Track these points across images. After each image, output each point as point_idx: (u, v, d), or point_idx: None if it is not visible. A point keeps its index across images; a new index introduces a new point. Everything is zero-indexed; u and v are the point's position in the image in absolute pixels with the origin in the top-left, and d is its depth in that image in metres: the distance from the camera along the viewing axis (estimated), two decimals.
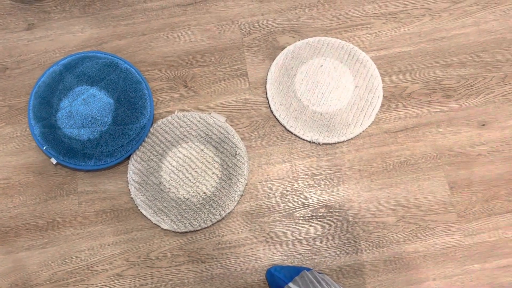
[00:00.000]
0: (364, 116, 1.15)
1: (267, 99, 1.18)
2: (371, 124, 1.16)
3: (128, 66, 1.19)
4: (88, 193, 1.13)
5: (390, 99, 1.18)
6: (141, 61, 1.23)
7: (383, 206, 1.10)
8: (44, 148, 1.13)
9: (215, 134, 1.15)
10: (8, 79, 1.22)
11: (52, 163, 1.15)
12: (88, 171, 1.14)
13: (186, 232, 1.10)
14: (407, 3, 1.25)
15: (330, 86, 1.18)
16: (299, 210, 1.11)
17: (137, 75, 1.19)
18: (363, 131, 1.15)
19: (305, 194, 1.12)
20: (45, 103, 1.17)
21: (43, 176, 1.15)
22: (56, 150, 1.13)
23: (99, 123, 1.15)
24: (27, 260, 1.09)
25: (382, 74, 1.19)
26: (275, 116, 1.17)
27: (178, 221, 1.09)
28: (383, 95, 1.18)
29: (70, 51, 1.24)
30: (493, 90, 1.17)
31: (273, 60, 1.21)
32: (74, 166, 1.12)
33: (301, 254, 1.08)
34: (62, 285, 1.08)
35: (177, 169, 1.13)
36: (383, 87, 1.18)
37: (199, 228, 1.09)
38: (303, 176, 1.13)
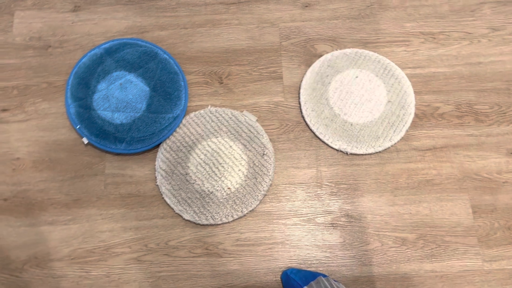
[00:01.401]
0: (394, 131, 1.16)
1: (299, 103, 1.20)
2: (400, 139, 1.16)
3: (167, 57, 1.22)
4: (115, 176, 1.15)
5: (422, 117, 1.18)
6: (180, 53, 1.25)
7: (404, 222, 1.11)
8: (78, 127, 1.15)
9: (245, 132, 1.17)
10: (49, 57, 1.25)
11: (83, 142, 1.17)
12: (117, 154, 1.17)
13: (207, 225, 1.11)
14: (447, 25, 1.26)
15: (363, 98, 1.19)
16: (320, 217, 1.12)
17: (175, 66, 1.21)
18: (391, 146, 1.16)
19: (327, 201, 1.13)
20: (83, 84, 1.19)
21: (73, 154, 1.17)
22: (88, 130, 1.15)
23: (133, 109, 1.17)
24: (49, 235, 1.11)
25: (415, 92, 1.20)
26: (305, 121, 1.18)
27: (200, 213, 1.11)
28: (415, 113, 1.18)
29: (112, 36, 1.27)
30: None
31: (309, 66, 1.23)
32: (105, 148, 1.14)
33: (318, 260, 1.09)
34: (80, 262, 1.09)
35: (204, 162, 1.14)
36: (415, 105, 1.19)
37: (220, 222, 1.10)
38: (327, 183, 1.14)
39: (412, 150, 1.16)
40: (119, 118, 1.17)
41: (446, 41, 1.24)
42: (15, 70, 1.24)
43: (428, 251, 1.09)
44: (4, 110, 1.20)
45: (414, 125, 1.18)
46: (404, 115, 1.17)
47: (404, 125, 1.16)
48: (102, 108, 1.17)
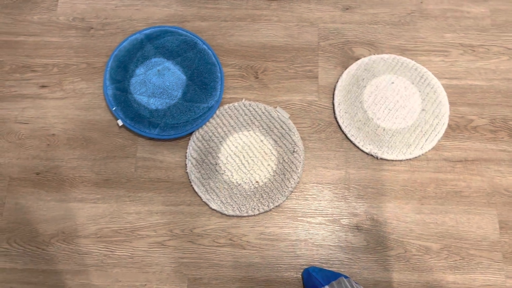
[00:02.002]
0: (426, 140, 1.16)
1: (333, 104, 1.20)
2: (431, 148, 1.16)
3: (206, 48, 1.23)
4: (146, 159, 1.17)
5: (455, 128, 1.18)
6: (218, 45, 1.27)
7: (429, 231, 1.10)
8: (114, 109, 1.17)
9: (276, 128, 1.17)
10: (91, 38, 1.28)
11: (117, 124, 1.19)
12: (150, 139, 1.18)
13: (233, 216, 1.12)
14: (487, 38, 1.25)
15: (397, 104, 1.19)
16: (345, 218, 1.12)
17: (213, 58, 1.23)
18: (422, 154, 1.16)
19: (354, 203, 1.13)
20: (122, 67, 1.21)
21: (107, 135, 1.19)
22: (124, 113, 1.17)
23: (169, 96, 1.19)
24: (78, 212, 1.13)
25: (450, 103, 1.20)
26: (338, 123, 1.19)
27: (227, 203, 1.12)
28: (448, 124, 1.18)
29: (153, 23, 1.29)
30: None
31: (346, 68, 1.23)
32: (138, 131, 1.16)
33: (340, 261, 1.09)
34: (106, 241, 1.11)
35: (234, 153, 1.15)
36: (449, 115, 1.19)
37: (245, 214, 1.11)
38: (355, 186, 1.14)
39: (443, 160, 1.16)
40: (154, 103, 1.18)
41: (485, 55, 1.24)
42: (56, 49, 1.27)
43: (451, 262, 1.08)
44: (43, 86, 1.23)
45: (446, 135, 1.17)
46: (437, 124, 1.17)
47: (436, 135, 1.16)
48: (139, 92, 1.19)
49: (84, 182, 1.15)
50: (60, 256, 1.11)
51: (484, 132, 1.18)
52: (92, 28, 1.29)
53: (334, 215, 1.12)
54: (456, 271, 1.08)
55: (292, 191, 1.14)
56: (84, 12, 1.31)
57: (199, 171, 1.14)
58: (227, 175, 1.14)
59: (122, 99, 1.19)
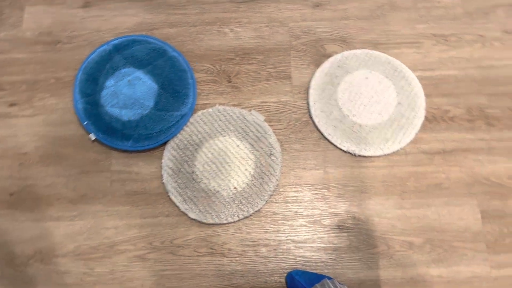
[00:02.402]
0: (404, 134, 1.15)
1: (308, 104, 1.19)
2: (409, 142, 1.15)
3: (176, 54, 1.21)
4: (121, 172, 1.15)
5: (431, 120, 1.17)
6: (189, 51, 1.25)
7: (411, 226, 1.09)
8: (85, 123, 1.15)
9: (252, 132, 1.16)
10: (58, 52, 1.25)
11: (90, 139, 1.17)
12: (124, 151, 1.16)
13: (212, 224, 1.10)
14: (460, 27, 1.24)
15: (372, 99, 1.18)
16: (326, 218, 1.11)
17: (184, 64, 1.21)
18: (400, 149, 1.15)
19: (334, 203, 1.12)
20: (92, 80, 1.19)
21: (80, 150, 1.17)
22: (96, 127, 1.15)
23: (141, 106, 1.17)
24: (54, 230, 1.11)
25: (426, 95, 1.19)
26: (314, 122, 1.17)
27: (206, 212, 1.10)
28: (425, 116, 1.17)
29: (121, 33, 1.27)
30: None
31: (319, 66, 1.22)
32: (112, 144, 1.14)
33: (323, 262, 1.08)
34: (84, 259, 1.09)
35: (211, 160, 1.14)
36: (425, 108, 1.18)
37: (225, 222, 1.10)
38: (334, 185, 1.13)
39: (421, 153, 1.14)
40: (126, 115, 1.16)
41: (458, 44, 1.23)
42: (24, 65, 1.24)
43: (435, 255, 1.07)
44: (12, 104, 1.21)
45: (423, 128, 1.16)
46: (413, 117, 1.16)
47: (413, 128, 1.15)
48: (110, 104, 1.17)
49: (59, 199, 1.13)
50: (39, 277, 1.08)
51: (461, 121, 1.17)
52: (59, 41, 1.26)
53: (315, 216, 1.11)
54: (440, 264, 1.07)
55: (271, 195, 1.12)
56: (50, 26, 1.28)
57: (176, 181, 1.12)
58: (205, 183, 1.12)
59: (93, 112, 1.17)
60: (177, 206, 1.12)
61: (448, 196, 1.11)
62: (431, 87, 1.20)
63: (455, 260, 1.07)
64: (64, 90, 1.22)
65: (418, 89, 1.18)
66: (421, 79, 1.20)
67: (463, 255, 1.07)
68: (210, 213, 1.10)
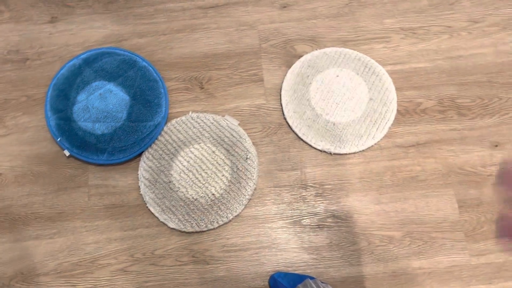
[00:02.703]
0: (377, 129, 1.15)
1: (281, 105, 1.19)
2: (383, 137, 1.16)
3: (146, 64, 1.21)
4: (99, 187, 1.14)
5: (404, 113, 1.18)
6: (159, 60, 1.24)
7: (390, 220, 1.10)
8: (59, 139, 1.15)
9: (227, 137, 1.16)
10: (28, 70, 1.24)
11: (65, 155, 1.16)
12: (100, 165, 1.16)
13: (193, 232, 1.10)
14: (426, 19, 1.25)
15: (344, 96, 1.18)
16: (306, 218, 1.11)
17: (154, 74, 1.20)
18: (374, 144, 1.16)
19: (313, 202, 1.12)
20: (63, 96, 1.18)
21: (56, 167, 1.16)
22: (70, 143, 1.15)
23: (114, 119, 1.16)
24: (34, 249, 1.11)
25: (397, 89, 1.20)
26: (288, 123, 1.18)
27: (185, 220, 1.10)
28: (397, 110, 1.18)
29: (90, 46, 1.26)
30: (508, 112, 1.17)
31: (290, 67, 1.22)
32: (87, 159, 1.13)
33: (305, 262, 1.08)
34: (67, 276, 1.08)
35: (187, 169, 1.14)
36: (397, 101, 1.19)
37: (205, 229, 1.10)
38: (312, 185, 1.13)
39: (396, 147, 1.15)
40: (100, 128, 1.16)
41: (426, 36, 1.24)
42: None
43: (415, 248, 1.08)
44: None
45: (396, 122, 1.17)
46: (386, 112, 1.17)
47: (386, 123, 1.16)
48: (83, 119, 1.16)
49: (37, 218, 1.13)
50: None
51: (433, 113, 1.18)
52: (28, 59, 1.25)
53: (294, 217, 1.11)
54: (420, 256, 1.08)
55: (249, 199, 1.12)
56: (18, 43, 1.27)
57: (153, 192, 1.12)
58: (182, 192, 1.12)
59: (66, 128, 1.16)
60: (156, 217, 1.11)
61: (425, 188, 1.12)
62: (402, 80, 1.21)
63: (435, 251, 1.08)
64: (36, 107, 1.21)
65: (389, 83, 1.19)
66: (391, 73, 1.21)
67: (442, 246, 1.08)
68: (190, 221, 1.10)
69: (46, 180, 1.15)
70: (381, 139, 1.16)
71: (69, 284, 1.08)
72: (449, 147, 1.15)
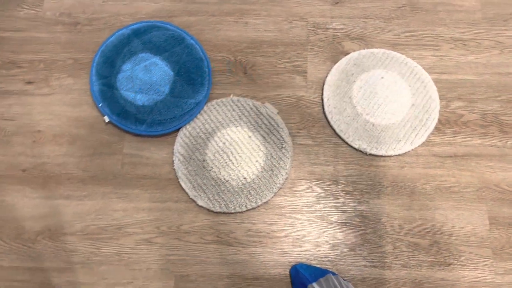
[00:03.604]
0: (416, 135, 1.14)
1: (322, 100, 1.19)
2: (421, 144, 1.15)
3: (194, 43, 1.22)
4: (133, 156, 1.16)
5: (445, 123, 1.17)
6: (206, 40, 1.25)
7: (418, 227, 1.09)
8: (100, 105, 1.16)
9: (265, 124, 1.16)
10: (77, 34, 1.26)
11: (104, 121, 1.18)
12: (136, 135, 1.17)
13: (220, 212, 1.11)
14: (479, 32, 1.24)
15: (387, 99, 1.17)
16: (334, 215, 1.11)
17: (201, 53, 1.21)
18: (412, 150, 1.15)
19: (342, 200, 1.12)
20: (109, 63, 1.20)
21: (93, 132, 1.18)
22: (110, 109, 1.16)
23: (156, 92, 1.18)
24: (64, 209, 1.12)
25: (441, 98, 1.18)
26: (326, 118, 1.17)
27: (214, 200, 1.11)
28: (438, 119, 1.17)
29: (140, 18, 1.28)
30: None
31: (335, 63, 1.22)
32: (125, 127, 1.15)
33: (328, 257, 1.08)
34: (92, 238, 1.10)
35: (222, 150, 1.14)
36: (439, 111, 1.17)
37: (233, 211, 1.10)
38: (343, 182, 1.13)
39: (432, 155, 1.14)
40: (141, 99, 1.17)
41: (476, 49, 1.22)
42: (43, 44, 1.25)
43: (440, 258, 1.07)
44: (29, 82, 1.22)
45: (436, 130, 1.16)
46: (427, 119, 1.16)
47: (426, 130, 1.15)
48: (125, 88, 1.18)
49: (70, 179, 1.14)
50: (46, 254, 1.10)
51: (475, 127, 1.16)
52: (79, 23, 1.27)
53: (322, 212, 1.11)
54: (445, 267, 1.07)
55: (280, 188, 1.13)
56: (71, 7, 1.29)
57: (186, 168, 1.13)
58: (215, 172, 1.13)
59: (108, 95, 1.17)
60: (186, 193, 1.12)
61: (457, 200, 1.11)
62: (446, 90, 1.19)
63: (460, 264, 1.07)
64: (82, 71, 1.23)
65: (433, 91, 1.18)
66: (437, 81, 1.20)
67: (469, 260, 1.07)
68: (219, 201, 1.11)
69: (82, 143, 1.17)
70: (418, 146, 1.15)
71: (93, 246, 1.09)
72: (488, 163, 1.13)
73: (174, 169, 1.14)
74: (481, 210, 1.10)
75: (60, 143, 1.17)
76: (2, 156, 1.16)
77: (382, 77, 1.19)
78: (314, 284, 0.98)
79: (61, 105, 1.20)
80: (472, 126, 1.16)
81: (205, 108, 1.18)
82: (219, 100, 1.19)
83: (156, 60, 1.20)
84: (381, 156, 1.15)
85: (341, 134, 1.15)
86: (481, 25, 1.25)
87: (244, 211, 1.11)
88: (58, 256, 1.09)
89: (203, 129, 1.16)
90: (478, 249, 1.08)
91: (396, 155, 1.15)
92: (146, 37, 1.22)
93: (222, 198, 1.11)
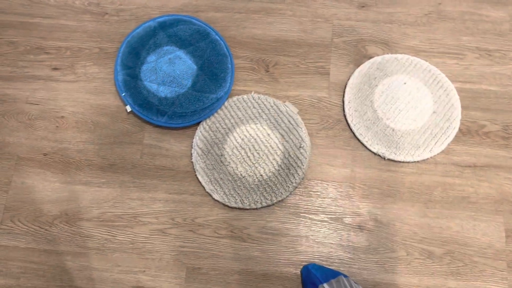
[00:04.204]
0: (436, 143, 1.14)
1: (343, 102, 1.19)
2: (440, 152, 1.14)
3: (218, 38, 1.23)
4: (152, 147, 1.17)
5: (466, 133, 1.16)
6: (230, 37, 1.26)
7: (433, 236, 1.09)
8: (123, 94, 1.18)
9: (284, 123, 1.17)
10: (105, 24, 1.28)
11: (126, 110, 1.19)
12: (157, 126, 1.18)
13: (235, 208, 1.12)
14: (505, 44, 1.23)
15: (408, 105, 1.17)
16: (348, 217, 1.11)
17: (225, 49, 1.22)
18: (430, 157, 1.14)
19: (358, 203, 1.12)
20: (134, 54, 1.22)
21: (115, 120, 1.20)
22: (133, 99, 1.18)
23: (178, 85, 1.19)
24: (82, 194, 1.14)
25: (463, 107, 1.18)
26: (346, 121, 1.17)
27: (230, 195, 1.11)
28: (459, 128, 1.16)
29: (167, 11, 1.29)
30: None
31: (358, 66, 1.22)
32: (146, 118, 1.16)
33: (340, 260, 1.08)
34: (108, 225, 1.12)
35: (240, 146, 1.15)
36: (461, 119, 1.17)
37: (248, 207, 1.11)
38: (360, 185, 1.13)
39: (451, 164, 1.14)
40: (164, 91, 1.18)
41: (501, 60, 1.21)
42: (71, 32, 1.27)
43: (454, 268, 1.06)
44: (56, 69, 1.24)
45: (456, 139, 1.15)
46: (448, 128, 1.15)
47: (446, 138, 1.14)
48: (149, 79, 1.19)
49: (89, 165, 1.16)
50: (62, 237, 1.11)
51: (496, 138, 1.15)
52: (106, 13, 1.29)
53: (337, 213, 1.11)
54: (458, 277, 1.06)
55: (296, 187, 1.13)
56: None
57: (204, 161, 1.14)
58: (232, 167, 1.13)
59: (132, 85, 1.19)
60: (202, 186, 1.13)
61: (474, 210, 1.10)
62: (469, 99, 1.19)
63: (474, 275, 1.06)
64: (107, 60, 1.25)
65: (455, 100, 1.17)
66: (459, 90, 1.19)
67: (482, 271, 1.06)
68: (234, 197, 1.11)
69: (103, 131, 1.19)
70: (438, 154, 1.14)
71: (109, 233, 1.11)
72: (507, 175, 1.12)
73: (192, 162, 1.15)
74: (498, 222, 1.09)
75: (82, 130, 1.19)
76: (24, 139, 1.18)
77: (404, 83, 1.19)
78: (325, 285, 0.98)
79: (85, 93, 1.22)
80: (493, 137, 1.15)
81: (226, 103, 1.19)
82: (240, 96, 1.20)
83: (181, 53, 1.22)
84: (400, 161, 1.14)
85: (360, 138, 1.15)
86: (508, 36, 1.24)
87: (259, 208, 1.12)
88: (74, 241, 1.11)
89: (222, 124, 1.17)
90: (493, 261, 1.07)
91: (415, 162, 1.14)
92: (172, 31, 1.23)
93: (238, 193, 1.12)
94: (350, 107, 1.18)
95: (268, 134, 1.16)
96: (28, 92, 1.22)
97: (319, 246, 1.09)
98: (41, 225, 1.12)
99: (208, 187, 1.12)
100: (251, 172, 1.13)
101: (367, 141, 1.15)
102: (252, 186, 1.12)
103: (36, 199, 1.14)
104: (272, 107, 1.18)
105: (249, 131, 1.16)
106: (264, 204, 1.11)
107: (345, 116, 1.18)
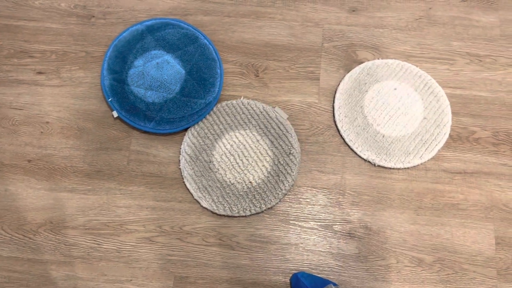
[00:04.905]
0: (426, 149, 1.13)
1: (333, 107, 1.18)
2: (430, 158, 1.13)
3: (207, 43, 1.21)
4: (139, 153, 1.15)
5: (456, 139, 1.15)
6: (219, 41, 1.24)
7: (423, 243, 1.08)
8: (110, 99, 1.16)
9: (274, 129, 1.15)
10: (91, 27, 1.26)
11: (112, 116, 1.17)
12: (144, 132, 1.16)
13: (224, 215, 1.10)
14: (495, 49, 1.22)
15: (399, 111, 1.16)
16: (338, 224, 1.10)
17: (214, 53, 1.20)
18: (421, 164, 1.13)
19: (348, 210, 1.11)
20: (121, 58, 1.19)
21: (101, 126, 1.17)
22: (120, 105, 1.15)
23: (166, 90, 1.17)
24: (67, 202, 1.12)
25: (453, 112, 1.17)
26: (337, 126, 1.16)
27: (218, 202, 1.10)
28: (450, 134, 1.15)
29: (155, 14, 1.27)
30: None
31: (348, 71, 1.21)
32: (133, 124, 1.14)
33: (330, 268, 1.07)
34: (94, 233, 1.09)
35: (229, 152, 1.13)
36: (451, 126, 1.16)
37: (237, 215, 1.09)
38: (350, 192, 1.12)
39: (442, 171, 1.13)
40: (151, 96, 1.16)
41: (492, 65, 1.21)
42: (56, 35, 1.25)
43: (444, 276, 1.06)
44: (40, 73, 1.21)
45: (447, 146, 1.15)
46: (438, 134, 1.14)
47: (436, 145, 1.14)
48: (136, 84, 1.17)
49: (75, 172, 1.14)
50: (47, 246, 1.09)
51: (486, 144, 1.15)
52: (93, 16, 1.27)
53: (327, 221, 1.10)
54: (448, 285, 1.05)
55: (285, 194, 1.11)
56: (86, 0, 1.28)
57: (192, 168, 1.12)
58: (221, 174, 1.12)
59: (118, 90, 1.17)
60: (191, 193, 1.11)
61: (464, 218, 1.09)
62: (459, 105, 1.18)
63: (464, 283, 1.05)
64: (93, 64, 1.22)
65: (446, 106, 1.17)
66: (450, 96, 1.19)
67: (472, 279, 1.05)
68: (223, 204, 1.10)
69: (90, 137, 1.16)
70: (428, 160, 1.14)
71: (94, 242, 1.09)
72: (497, 182, 1.12)
73: (180, 169, 1.13)
74: (488, 229, 1.09)
75: (67, 136, 1.16)
76: (8, 145, 1.16)
77: (395, 89, 1.18)
78: None
79: (71, 98, 1.19)
80: (483, 144, 1.15)
81: (215, 109, 1.17)
82: (229, 101, 1.18)
83: (169, 58, 1.20)
84: (390, 168, 1.13)
85: (350, 144, 1.14)
86: (498, 42, 1.24)
87: (248, 215, 1.10)
88: (59, 249, 1.09)
89: (211, 130, 1.15)
90: (483, 268, 1.06)
91: (405, 168, 1.13)
92: (160, 34, 1.21)
93: (227, 200, 1.10)
94: (340, 113, 1.16)
95: (258, 140, 1.14)
96: (12, 97, 1.19)
97: (309, 254, 1.08)
98: (25, 234, 1.10)
99: (196, 194, 1.10)
100: (240, 179, 1.11)
101: (357, 148, 1.14)
102: (241, 193, 1.11)
103: (20, 206, 1.12)
104: (261, 112, 1.17)
105: (238, 137, 1.15)
106: (253, 211, 1.09)
107: (335, 122, 1.17)
